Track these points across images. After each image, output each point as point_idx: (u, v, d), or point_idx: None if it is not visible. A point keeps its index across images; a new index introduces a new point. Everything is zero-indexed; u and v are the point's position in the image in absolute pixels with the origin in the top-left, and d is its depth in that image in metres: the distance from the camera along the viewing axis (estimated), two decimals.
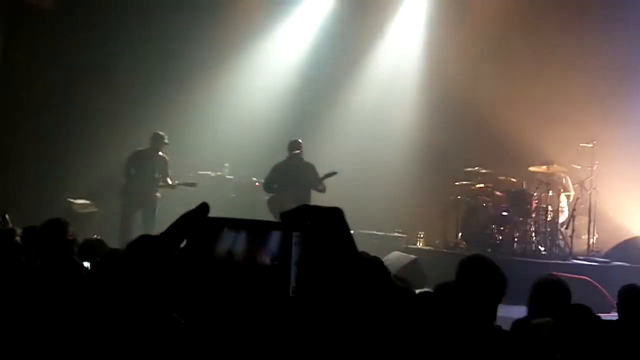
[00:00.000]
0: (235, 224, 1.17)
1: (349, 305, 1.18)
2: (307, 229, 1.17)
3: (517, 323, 4.60)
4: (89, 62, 13.11)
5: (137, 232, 10.39)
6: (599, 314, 4.65)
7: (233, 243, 1.15)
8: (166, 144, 11.62)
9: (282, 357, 1.15)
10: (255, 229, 1.16)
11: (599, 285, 9.22)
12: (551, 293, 4.32)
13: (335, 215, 1.23)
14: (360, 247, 4.88)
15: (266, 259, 1.14)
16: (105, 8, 13.26)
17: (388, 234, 13.06)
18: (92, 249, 5.59)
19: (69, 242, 5.27)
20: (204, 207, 1.19)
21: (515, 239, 11.35)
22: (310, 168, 10.98)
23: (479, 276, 3.51)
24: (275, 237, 1.15)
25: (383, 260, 9.74)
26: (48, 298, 3.83)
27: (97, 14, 13.22)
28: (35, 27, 12.76)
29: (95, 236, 7.44)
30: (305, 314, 1.14)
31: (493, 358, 3.56)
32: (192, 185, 11.76)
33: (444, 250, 11.74)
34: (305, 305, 1.14)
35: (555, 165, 11.81)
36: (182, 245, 1.17)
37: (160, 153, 11.62)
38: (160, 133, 11.63)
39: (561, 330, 3.60)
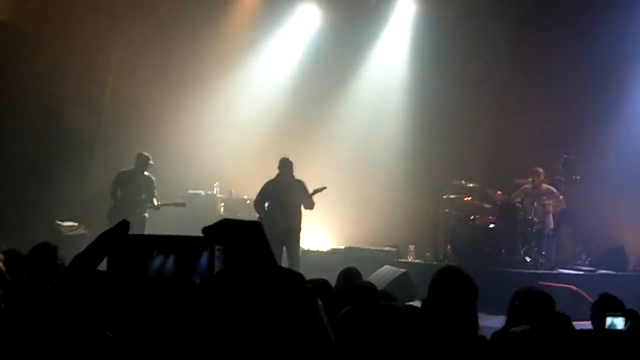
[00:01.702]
0: (157, 241, 1.19)
1: (266, 314, 1.20)
2: (228, 243, 1.20)
3: (496, 334, 4.74)
4: (74, 81, 13.01)
5: None
6: (586, 322, 4.83)
7: (161, 260, 1.17)
8: (151, 164, 11.54)
9: None
10: (179, 245, 1.18)
11: (584, 294, 9.40)
12: (530, 303, 4.47)
13: (254, 229, 1.25)
14: (352, 262, 5.09)
15: (193, 274, 1.17)
16: (91, 26, 13.16)
17: (379, 248, 13.22)
18: None
19: (58, 266, 5.28)
20: (123, 225, 1.21)
21: (503, 250, 11.54)
22: (300, 185, 11.10)
23: (448, 287, 3.62)
24: (202, 253, 1.18)
25: (375, 274, 9.96)
26: (36, 323, 3.90)
27: (83, 33, 13.05)
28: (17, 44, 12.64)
29: None
30: (225, 322, 1.18)
31: None
32: (181, 205, 11.73)
33: (434, 263, 11.86)
34: (225, 313, 1.17)
35: (539, 177, 12.02)
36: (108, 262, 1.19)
37: (145, 173, 11.55)
38: (145, 153, 11.56)
39: (536, 338, 3.76)
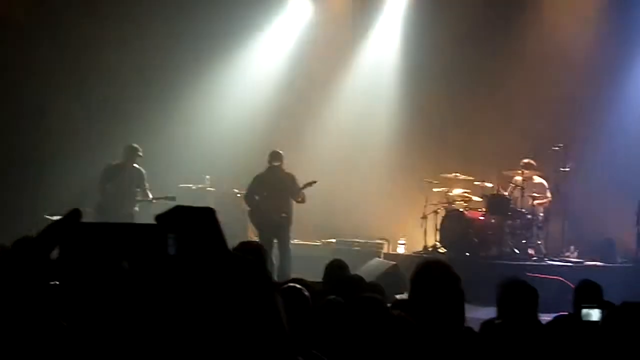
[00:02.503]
0: (110, 229, 1.19)
1: (217, 299, 1.21)
2: (181, 230, 1.20)
3: (485, 324, 4.82)
4: (63, 76, 12.95)
5: None
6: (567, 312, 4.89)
7: (114, 248, 1.17)
8: (140, 156, 11.42)
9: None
10: (132, 233, 1.18)
11: (572, 285, 9.45)
12: (516, 294, 4.53)
13: (206, 215, 1.25)
14: (342, 255, 5.13)
15: (147, 261, 1.16)
16: (80, 22, 13.15)
17: (369, 241, 13.28)
18: None
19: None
20: (74, 214, 1.21)
21: (492, 242, 11.62)
22: (290, 178, 11.13)
23: (429, 278, 3.66)
24: (156, 240, 1.17)
25: (365, 266, 10.02)
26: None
27: (72, 29, 13.06)
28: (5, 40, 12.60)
29: None
30: (177, 310, 1.17)
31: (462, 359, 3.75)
32: (172, 199, 11.65)
33: (424, 256, 11.92)
34: (176, 299, 1.17)
35: (529, 170, 12.08)
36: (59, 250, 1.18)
37: (135, 166, 11.43)
38: (134, 145, 11.43)
39: (508, 329, 3.81)
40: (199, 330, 1.19)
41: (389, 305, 4.43)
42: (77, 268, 1.15)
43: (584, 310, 3.83)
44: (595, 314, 3.75)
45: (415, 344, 2.99)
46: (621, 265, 11.43)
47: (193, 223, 1.23)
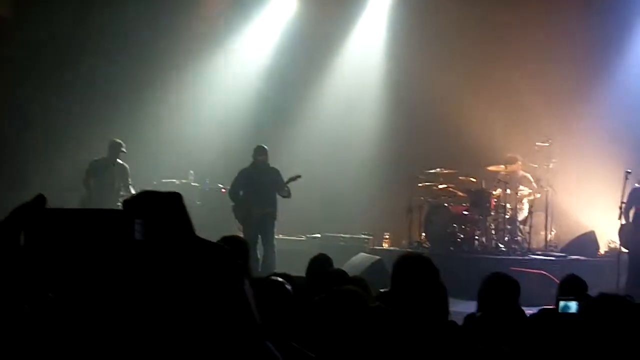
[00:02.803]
0: (76, 215, 1.17)
1: (183, 285, 1.20)
2: (148, 216, 1.18)
3: (469, 317, 4.86)
4: (45, 71, 12.92)
5: None
6: (553, 307, 4.93)
7: (80, 234, 1.16)
8: (123, 152, 11.46)
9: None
10: (98, 219, 1.17)
11: (555, 279, 9.53)
12: (498, 288, 4.57)
13: (172, 200, 1.24)
14: (327, 250, 5.14)
15: (116, 248, 1.15)
16: (63, 17, 13.08)
17: (354, 235, 13.29)
18: None
19: None
20: (39, 199, 1.19)
21: (476, 237, 11.66)
22: (275, 173, 11.13)
23: (410, 272, 3.68)
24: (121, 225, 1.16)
25: (350, 261, 10.03)
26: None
27: (56, 23, 12.99)
28: None
29: None
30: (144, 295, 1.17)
31: (444, 352, 3.78)
32: None
33: (408, 250, 11.98)
34: (141, 285, 1.16)
35: (513, 164, 12.15)
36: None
37: (119, 161, 11.45)
38: (118, 141, 11.47)
39: (490, 322, 3.85)
40: (164, 314, 1.20)
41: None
42: (42, 254, 1.15)
43: (562, 303, 3.88)
44: (572, 307, 3.79)
45: (394, 334, 3.01)
46: (603, 259, 11.51)
47: (159, 208, 1.21)
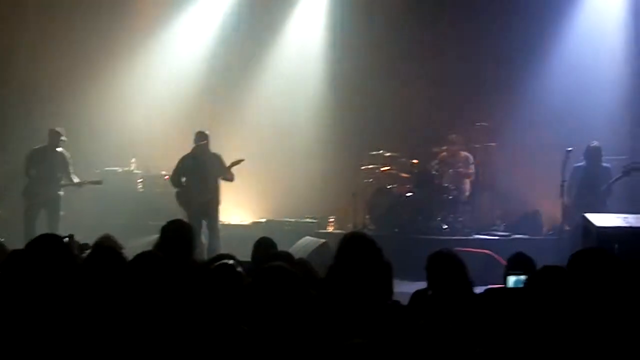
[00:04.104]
0: None
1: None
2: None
3: (416, 293, 4.84)
4: None
5: (41, 232, 10.23)
6: (500, 285, 4.95)
7: None
8: (63, 140, 11.33)
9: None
10: None
11: (499, 258, 9.61)
12: (443, 265, 4.57)
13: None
14: (273, 234, 5.05)
15: None
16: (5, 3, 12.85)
17: (300, 220, 13.26)
18: None
19: None
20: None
21: (420, 218, 11.71)
22: (217, 158, 11.03)
23: (351, 250, 3.66)
24: None
25: (295, 245, 9.97)
26: None
27: None
28: None
29: None
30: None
31: (389, 331, 3.74)
32: (98, 183, 11.55)
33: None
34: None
35: (455, 145, 12.22)
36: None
37: (59, 150, 11.33)
38: (57, 129, 11.34)
39: (439, 299, 3.83)
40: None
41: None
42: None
43: (512, 278, 3.88)
44: (519, 281, 3.80)
45: (323, 307, 2.99)
46: (547, 237, 11.65)
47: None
